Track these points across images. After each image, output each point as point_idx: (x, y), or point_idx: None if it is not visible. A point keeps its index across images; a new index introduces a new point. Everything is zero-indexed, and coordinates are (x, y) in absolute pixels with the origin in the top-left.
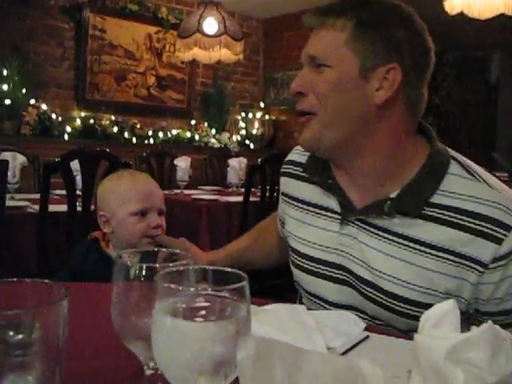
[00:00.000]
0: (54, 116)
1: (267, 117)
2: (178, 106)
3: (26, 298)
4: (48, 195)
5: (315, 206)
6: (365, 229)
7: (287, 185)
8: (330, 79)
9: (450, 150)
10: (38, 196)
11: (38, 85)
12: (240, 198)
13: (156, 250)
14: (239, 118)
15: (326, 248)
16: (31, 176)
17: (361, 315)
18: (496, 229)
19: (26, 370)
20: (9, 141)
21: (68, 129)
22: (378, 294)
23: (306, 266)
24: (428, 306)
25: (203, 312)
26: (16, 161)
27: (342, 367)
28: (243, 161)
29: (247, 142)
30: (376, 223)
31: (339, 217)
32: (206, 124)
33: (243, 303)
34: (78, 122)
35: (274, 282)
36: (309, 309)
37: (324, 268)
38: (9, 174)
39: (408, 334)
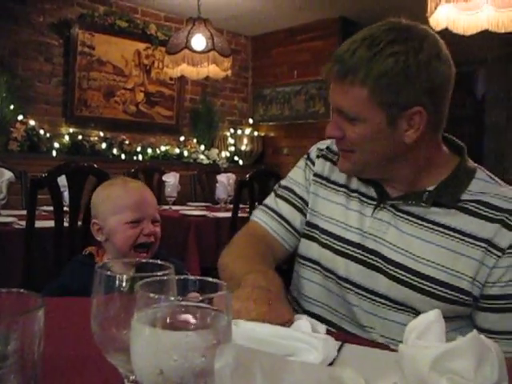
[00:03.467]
0: (42, 132)
1: (256, 133)
2: (167, 123)
3: (1, 309)
4: (35, 211)
5: (352, 190)
6: (398, 215)
7: (323, 167)
8: (362, 132)
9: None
10: (25, 212)
11: (27, 101)
12: (228, 214)
13: (150, 261)
14: (228, 134)
15: (353, 228)
16: (19, 192)
17: (383, 301)
18: None
19: None
20: None
21: (56, 145)
22: (408, 275)
23: (330, 243)
24: (455, 287)
25: (183, 322)
26: (3, 177)
27: (325, 377)
28: (232, 176)
29: (236, 158)
30: (411, 211)
31: (374, 202)
32: (194, 140)
33: (224, 312)
34: (67, 138)
35: None
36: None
37: (351, 248)
38: None
39: None
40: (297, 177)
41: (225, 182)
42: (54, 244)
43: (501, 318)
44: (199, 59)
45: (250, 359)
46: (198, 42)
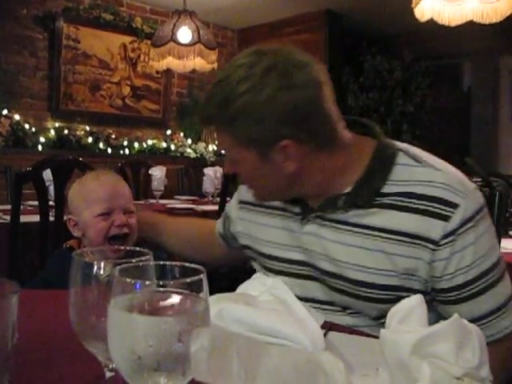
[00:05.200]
0: (27, 126)
1: None
2: (154, 116)
3: None
4: (19, 205)
5: (278, 209)
6: (324, 225)
7: (248, 194)
8: (244, 171)
9: (397, 142)
10: (10, 207)
11: (11, 95)
12: (215, 207)
13: (129, 248)
14: None
15: (285, 246)
16: (4, 187)
17: (330, 307)
18: (443, 207)
19: None
20: None
21: (42, 139)
22: (344, 284)
23: (270, 265)
24: (391, 287)
25: (160, 307)
26: None
27: (303, 360)
28: (219, 170)
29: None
30: (333, 218)
31: (299, 217)
32: (181, 134)
33: (201, 297)
34: (52, 132)
35: None
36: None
37: (288, 266)
38: None
39: (380, 320)
40: (230, 205)
41: (212, 176)
42: (39, 238)
43: (458, 308)
44: (185, 52)
45: (226, 343)
46: (184, 34)
